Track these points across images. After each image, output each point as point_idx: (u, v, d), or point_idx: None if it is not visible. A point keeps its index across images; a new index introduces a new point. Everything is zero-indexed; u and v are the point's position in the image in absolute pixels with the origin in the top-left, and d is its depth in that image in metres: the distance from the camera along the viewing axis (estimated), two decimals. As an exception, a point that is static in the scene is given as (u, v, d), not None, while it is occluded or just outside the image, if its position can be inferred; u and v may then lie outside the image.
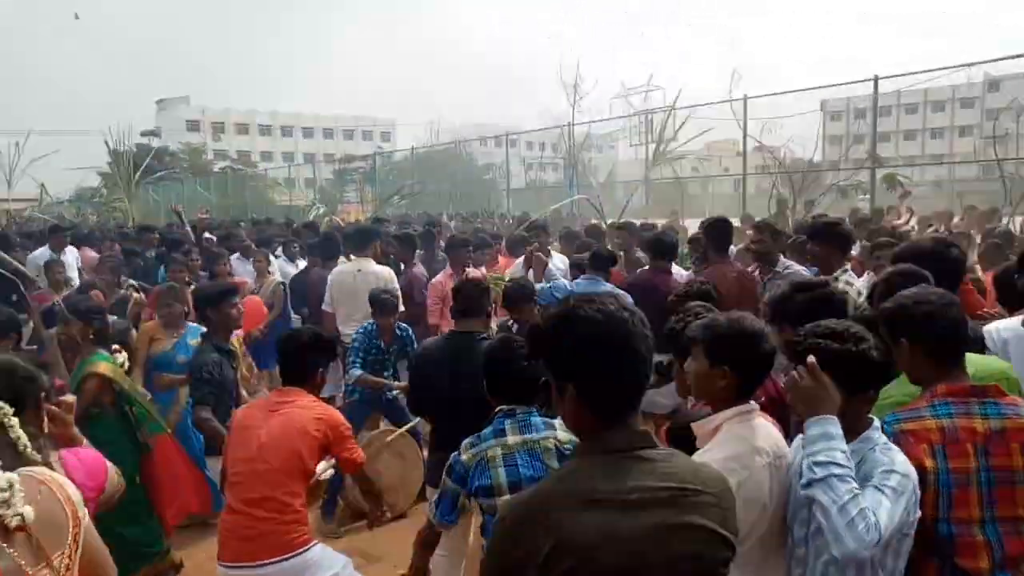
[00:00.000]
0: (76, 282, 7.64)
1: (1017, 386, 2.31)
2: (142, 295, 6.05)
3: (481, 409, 2.64)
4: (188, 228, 9.67)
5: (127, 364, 4.09)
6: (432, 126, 31.14)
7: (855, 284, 3.81)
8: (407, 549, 2.78)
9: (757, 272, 4.54)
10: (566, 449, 2.45)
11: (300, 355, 3.06)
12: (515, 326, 4.47)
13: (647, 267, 5.35)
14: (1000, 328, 2.75)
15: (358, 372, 4.81)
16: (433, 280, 6.14)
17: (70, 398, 2.30)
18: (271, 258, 8.08)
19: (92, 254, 9.18)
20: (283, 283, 7.31)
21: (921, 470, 1.87)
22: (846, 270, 3.87)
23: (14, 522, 1.45)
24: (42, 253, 8.52)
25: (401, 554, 3.70)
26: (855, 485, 1.69)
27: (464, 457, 2.49)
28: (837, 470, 1.69)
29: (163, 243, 9.48)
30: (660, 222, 11.69)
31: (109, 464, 2.26)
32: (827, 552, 1.75)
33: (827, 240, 3.94)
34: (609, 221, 10.78)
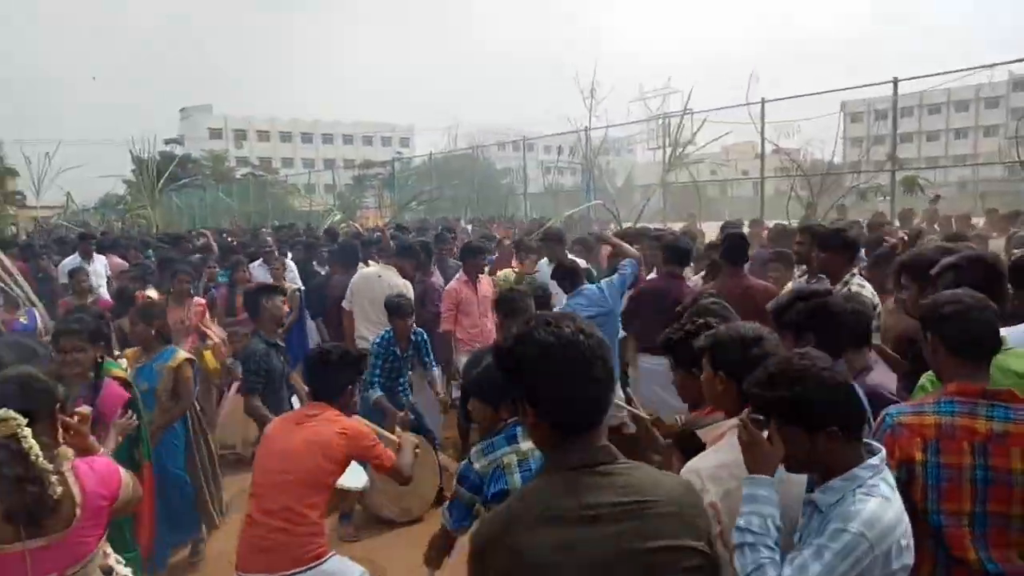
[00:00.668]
0: (104, 289, 7.83)
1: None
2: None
3: None
4: (213, 243, 9.92)
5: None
6: (450, 131, 31.21)
7: (866, 286, 3.85)
8: (422, 553, 2.82)
9: (804, 276, 4.52)
10: None
11: (330, 373, 3.11)
12: None
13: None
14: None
15: (377, 393, 4.89)
16: (447, 287, 6.17)
17: (86, 409, 2.37)
18: (288, 262, 8.22)
19: (120, 261, 9.39)
20: (300, 289, 7.44)
21: (910, 463, 2.00)
22: (854, 274, 3.93)
23: None
24: (72, 260, 8.67)
25: (416, 559, 3.74)
26: (765, 555, 1.65)
27: (478, 466, 2.52)
28: (749, 538, 1.66)
29: (197, 250, 9.71)
30: (677, 226, 11.66)
31: (123, 472, 2.31)
32: None
33: (832, 247, 3.98)
34: (625, 225, 10.76)
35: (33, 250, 10.73)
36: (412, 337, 5.18)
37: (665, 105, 19.84)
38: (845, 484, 1.73)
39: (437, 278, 6.79)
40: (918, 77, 11.23)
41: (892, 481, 1.76)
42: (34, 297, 6.16)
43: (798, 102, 12.02)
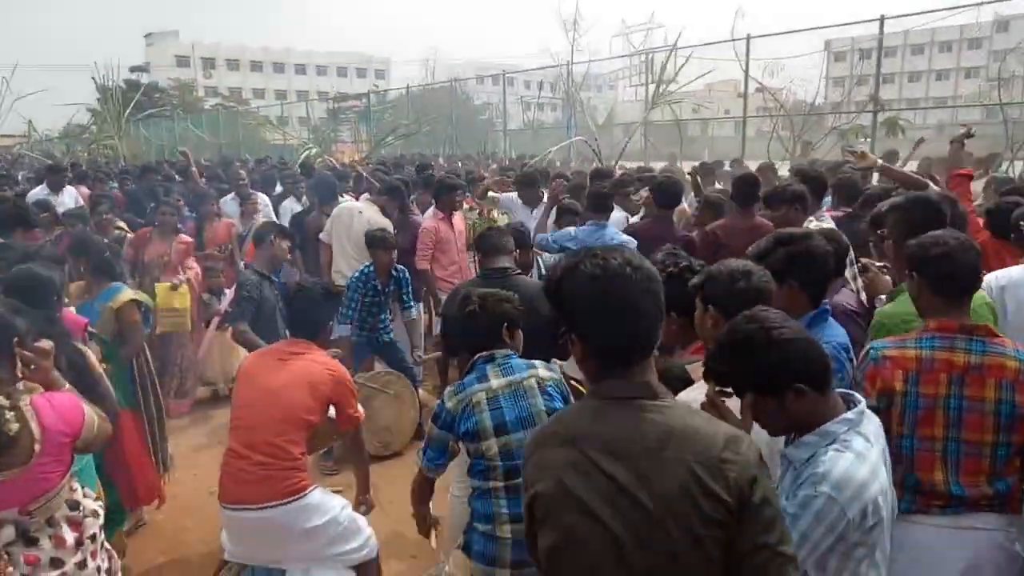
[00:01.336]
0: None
1: (992, 310, 2.73)
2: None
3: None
4: (195, 168, 9.53)
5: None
6: (428, 64, 30.35)
7: (832, 226, 4.00)
8: (401, 486, 2.85)
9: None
10: (549, 386, 2.52)
11: (311, 310, 3.08)
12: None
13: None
14: (999, 276, 2.96)
15: (347, 332, 4.82)
16: (424, 225, 5.93)
17: (47, 344, 2.31)
18: (262, 196, 8.01)
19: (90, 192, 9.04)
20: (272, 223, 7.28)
21: (891, 393, 2.15)
22: (823, 215, 4.10)
23: None
24: (39, 191, 8.35)
25: (395, 491, 3.81)
26: None
27: (449, 404, 2.53)
28: None
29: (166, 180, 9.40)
30: (658, 165, 11.57)
31: (88, 409, 2.27)
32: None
33: (803, 185, 4.09)
34: (609, 163, 10.65)
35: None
36: (393, 272, 5.12)
37: (648, 40, 19.42)
38: (818, 440, 1.72)
39: (418, 218, 6.65)
40: (906, 15, 11.10)
41: (870, 434, 1.75)
42: None
43: (782, 41, 11.82)
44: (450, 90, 21.18)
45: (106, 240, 5.09)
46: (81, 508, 2.28)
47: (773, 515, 1.35)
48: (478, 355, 2.59)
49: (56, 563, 2.14)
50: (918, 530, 2.12)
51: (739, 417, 1.75)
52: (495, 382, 2.51)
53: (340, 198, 6.79)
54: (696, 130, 20.64)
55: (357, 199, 6.90)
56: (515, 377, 2.52)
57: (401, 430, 5.04)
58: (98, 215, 6.21)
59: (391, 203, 6.15)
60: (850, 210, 4.65)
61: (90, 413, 2.27)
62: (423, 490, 2.76)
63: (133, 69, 37.55)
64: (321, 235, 6.20)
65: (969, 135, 4.80)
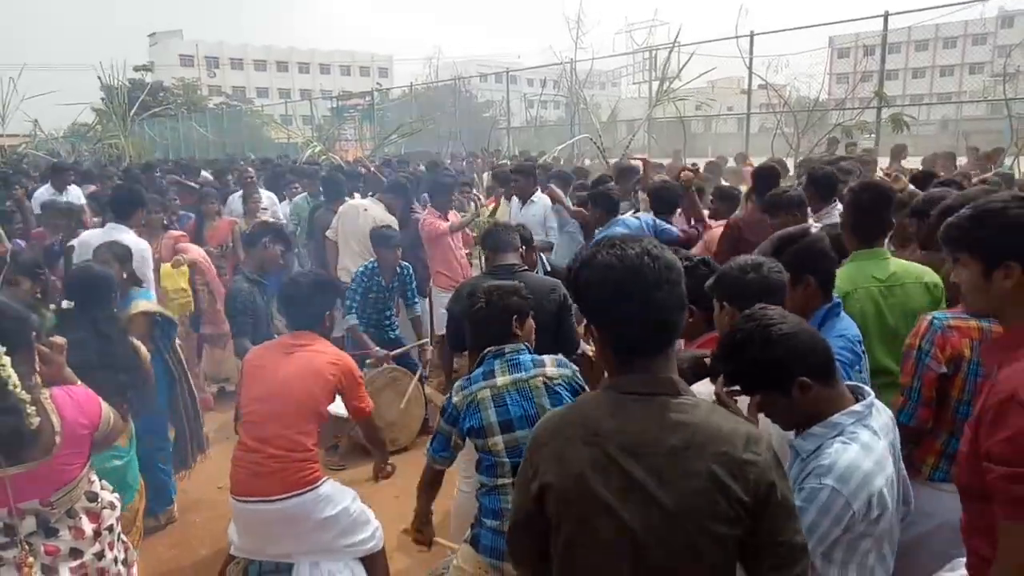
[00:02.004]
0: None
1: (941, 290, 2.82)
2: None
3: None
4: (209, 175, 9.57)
5: None
6: (431, 62, 30.21)
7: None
8: (409, 480, 2.88)
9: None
10: (556, 386, 2.50)
11: (308, 300, 3.08)
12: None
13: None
14: None
15: (354, 320, 4.89)
16: (427, 224, 5.94)
17: (60, 339, 2.35)
18: (268, 194, 8.05)
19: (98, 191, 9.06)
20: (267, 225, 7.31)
21: (959, 359, 2.21)
22: (830, 214, 4.06)
23: None
24: (45, 191, 8.39)
25: (402, 485, 3.83)
26: None
27: (456, 399, 2.55)
28: None
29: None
30: (664, 161, 11.57)
31: (104, 403, 2.31)
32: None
33: (809, 185, 4.11)
34: (612, 161, 10.66)
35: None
36: (398, 269, 5.16)
37: (652, 38, 19.37)
38: (825, 431, 1.74)
39: (419, 215, 6.68)
40: (909, 12, 11.05)
41: (876, 426, 1.76)
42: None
43: (786, 37, 11.81)
44: (453, 88, 21.17)
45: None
46: (99, 499, 2.31)
47: (789, 513, 1.38)
48: (488, 349, 2.61)
49: (75, 553, 2.18)
50: (948, 498, 2.06)
51: (746, 415, 1.77)
52: (501, 379, 2.51)
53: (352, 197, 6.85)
54: (700, 127, 20.61)
55: None
56: (521, 375, 2.52)
57: (407, 426, 5.08)
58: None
59: (396, 200, 6.18)
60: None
61: (106, 406, 2.31)
62: (429, 480, 2.78)
63: (137, 68, 37.49)
64: (327, 232, 6.24)
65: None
